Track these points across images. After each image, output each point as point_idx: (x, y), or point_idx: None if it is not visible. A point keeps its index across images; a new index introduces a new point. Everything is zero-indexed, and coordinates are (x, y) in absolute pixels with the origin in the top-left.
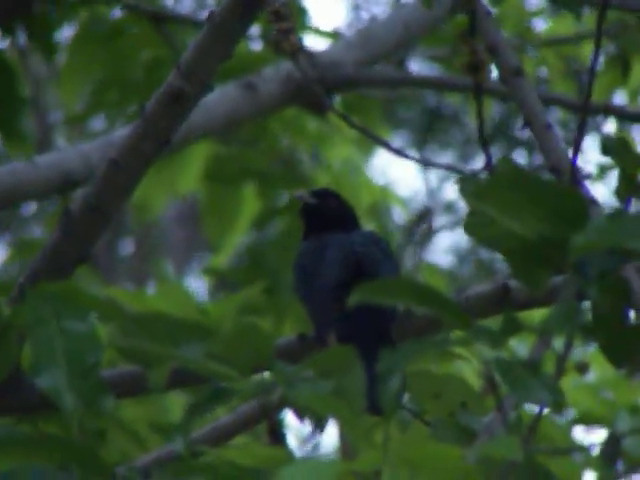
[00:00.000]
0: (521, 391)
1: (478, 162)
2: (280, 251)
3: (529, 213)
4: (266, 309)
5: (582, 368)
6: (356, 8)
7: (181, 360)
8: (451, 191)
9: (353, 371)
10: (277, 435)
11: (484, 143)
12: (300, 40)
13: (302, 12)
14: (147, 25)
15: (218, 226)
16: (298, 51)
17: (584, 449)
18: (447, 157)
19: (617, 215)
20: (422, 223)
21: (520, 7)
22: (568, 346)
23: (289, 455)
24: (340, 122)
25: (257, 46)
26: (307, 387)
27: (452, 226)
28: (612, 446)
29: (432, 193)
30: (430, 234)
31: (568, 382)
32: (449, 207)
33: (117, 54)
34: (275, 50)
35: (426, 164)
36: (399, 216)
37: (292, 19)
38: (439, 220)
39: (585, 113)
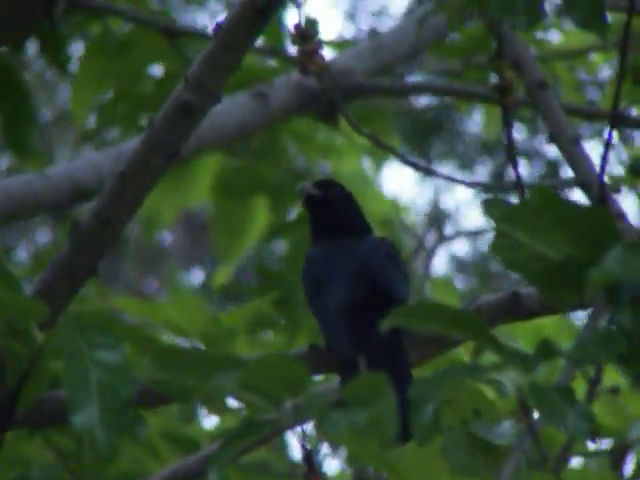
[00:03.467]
0: (556, 419)
1: (479, 171)
2: (291, 263)
3: (558, 236)
4: (279, 322)
5: (614, 391)
6: (351, 18)
7: (214, 391)
8: (450, 201)
9: (386, 399)
10: (312, 464)
11: (514, 164)
12: (324, 60)
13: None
14: (158, 38)
15: (227, 239)
16: (324, 71)
17: (597, 455)
18: (446, 167)
19: (636, 245)
20: (433, 230)
21: None
22: (599, 372)
23: None
24: (351, 132)
25: (268, 59)
26: (341, 417)
27: (455, 236)
28: (620, 453)
29: (432, 203)
30: (441, 241)
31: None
32: (449, 218)
33: (128, 68)
34: (300, 71)
35: (450, 180)
36: (405, 227)
37: (316, 39)
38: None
39: (613, 125)
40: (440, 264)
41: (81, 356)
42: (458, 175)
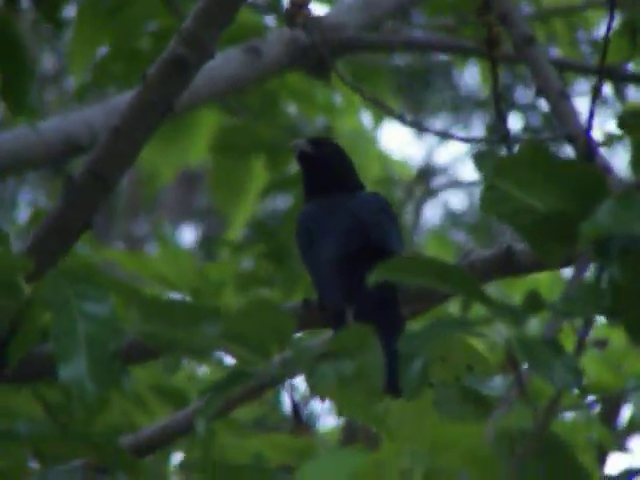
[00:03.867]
0: (543, 371)
1: (474, 125)
2: (289, 221)
3: (548, 190)
4: (275, 279)
5: (601, 344)
6: None
7: (201, 342)
8: (444, 155)
9: (373, 351)
10: (300, 416)
11: (502, 117)
12: (312, 12)
13: None
14: None
15: (227, 197)
16: (311, 23)
17: (585, 407)
18: (440, 121)
19: (627, 198)
20: (422, 183)
21: None
22: (587, 325)
23: (313, 445)
24: (345, 89)
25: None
26: (329, 369)
27: (447, 187)
28: (611, 408)
29: (426, 158)
30: (429, 193)
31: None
32: (443, 171)
33: (123, 25)
34: (288, 24)
35: (442, 135)
36: (400, 182)
37: None
38: (436, 182)
39: (600, 79)
40: (435, 218)
41: (69, 308)
42: (453, 129)
